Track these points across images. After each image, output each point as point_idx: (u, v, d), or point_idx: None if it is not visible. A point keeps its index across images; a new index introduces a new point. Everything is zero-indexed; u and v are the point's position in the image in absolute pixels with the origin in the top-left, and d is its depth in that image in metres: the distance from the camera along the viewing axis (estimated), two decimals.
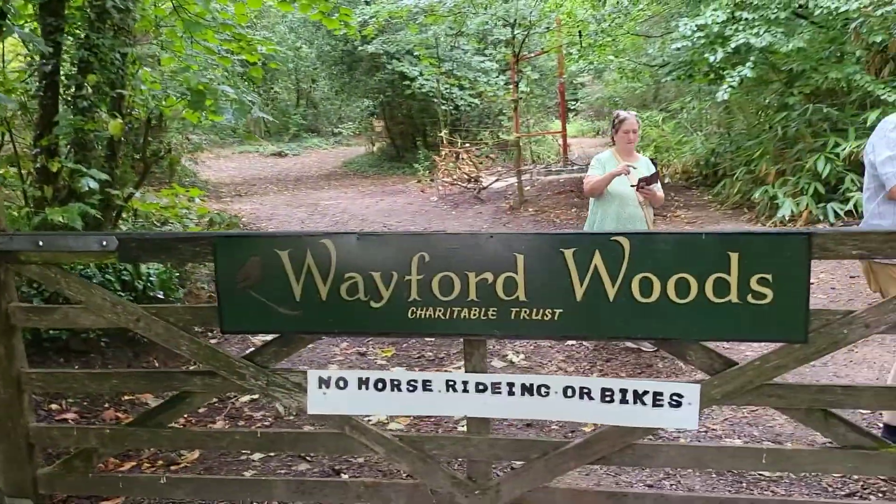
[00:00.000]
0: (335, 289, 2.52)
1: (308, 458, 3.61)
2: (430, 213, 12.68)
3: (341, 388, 2.63)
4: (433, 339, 5.55)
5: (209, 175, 17.68)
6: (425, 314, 2.51)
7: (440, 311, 2.50)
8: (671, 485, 3.31)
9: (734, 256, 2.28)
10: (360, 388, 2.63)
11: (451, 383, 2.60)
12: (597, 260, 2.39)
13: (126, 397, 4.39)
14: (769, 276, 2.26)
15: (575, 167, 15.19)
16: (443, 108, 18.19)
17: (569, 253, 2.41)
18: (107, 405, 4.26)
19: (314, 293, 2.53)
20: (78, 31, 6.12)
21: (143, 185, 6.78)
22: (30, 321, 2.71)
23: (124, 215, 6.52)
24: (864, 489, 3.20)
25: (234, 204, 14.29)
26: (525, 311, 2.47)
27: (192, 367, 3.05)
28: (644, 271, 2.36)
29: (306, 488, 2.72)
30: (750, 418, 3.97)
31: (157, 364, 4.88)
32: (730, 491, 3.22)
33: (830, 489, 3.20)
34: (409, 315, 2.52)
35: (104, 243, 2.56)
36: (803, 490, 3.20)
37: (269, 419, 4.14)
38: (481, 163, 16.05)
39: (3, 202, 2.68)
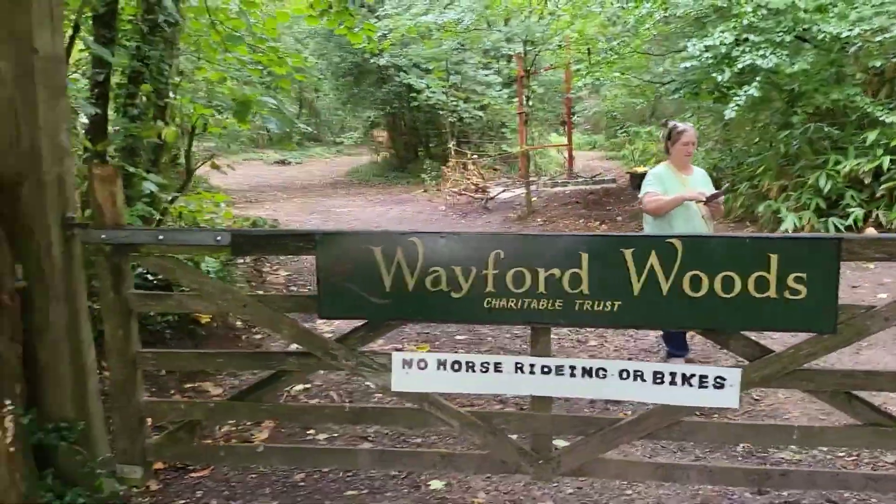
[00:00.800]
0: (421, 281, 2.88)
1: (369, 438, 3.95)
2: (440, 222, 13.05)
3: (422, 369, 2.98)
4: (463, 339, 5.93)
5: (219, 181, 17.97)
6: (499, 304, 2.88)
7: (513, 301, 2.87)
8: (701, 465, 3.66)
9: (774, 257, 2.66)
10: (438, 368, 2.98)
11: (520, 365, 2.96)
12: (653, 259, 2.76)
13: (187, 385, 4.73)
14: (804, 275, 2.64)
15: (580, 179, 15.64)
16: (449, 120, 18.61)
17: (628, 252, 2.78)
18: (172, 392, 4.59)
19: (402, 285, 2.89)
20: (127, 43, 6.48)
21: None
22: (146, 306, 3.05)
23: (166, 218, 6.88)
24: (874, 471, 3.56)
25: (249, 210, 14.59)
26: (588, 304, 2.83)
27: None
28: (694, 269, 2.73)
29: (386, 458, 3.07)
30: (745, 418, 4.31)
31: None
32: None
33: (845, 469, 3.57)
34: (485, 305, 2.88)
35: (218, 238, 2.91)
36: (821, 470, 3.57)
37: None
38: (487, 174, 16.47)
39: (123, 202, 3.02)
